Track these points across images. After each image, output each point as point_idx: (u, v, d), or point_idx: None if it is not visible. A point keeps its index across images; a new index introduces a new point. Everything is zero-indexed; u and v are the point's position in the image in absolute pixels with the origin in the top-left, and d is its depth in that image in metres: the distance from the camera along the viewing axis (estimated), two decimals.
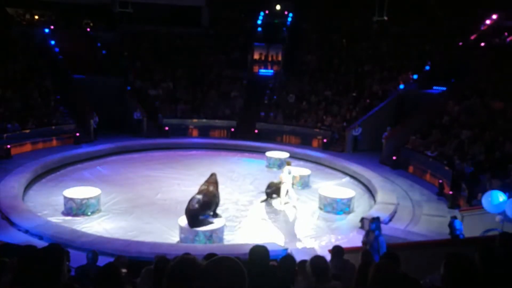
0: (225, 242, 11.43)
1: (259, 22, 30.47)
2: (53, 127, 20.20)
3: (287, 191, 14.05)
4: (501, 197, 10.09)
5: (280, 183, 14.25)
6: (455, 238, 10.47)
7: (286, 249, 10.34)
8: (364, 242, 8.67)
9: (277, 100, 24.73)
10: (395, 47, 26.16)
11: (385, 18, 26.96)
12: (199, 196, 11.00)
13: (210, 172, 12.13)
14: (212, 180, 11.65)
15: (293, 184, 14.51)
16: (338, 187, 15.45)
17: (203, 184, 11.55)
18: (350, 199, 14.05)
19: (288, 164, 14.38)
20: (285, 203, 14.13)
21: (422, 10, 27.75)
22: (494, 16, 25.27)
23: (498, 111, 18.35)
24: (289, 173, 14.07)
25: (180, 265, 2.15)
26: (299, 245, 11.45)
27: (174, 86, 25.09)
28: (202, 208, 10.94)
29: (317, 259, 3.84)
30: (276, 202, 14.37)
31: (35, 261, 2.52)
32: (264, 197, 14.71)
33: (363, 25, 28.63)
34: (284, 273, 4.34)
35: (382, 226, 10.10)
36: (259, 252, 3.78)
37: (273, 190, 14.50)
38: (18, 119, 19.30)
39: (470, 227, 11.15)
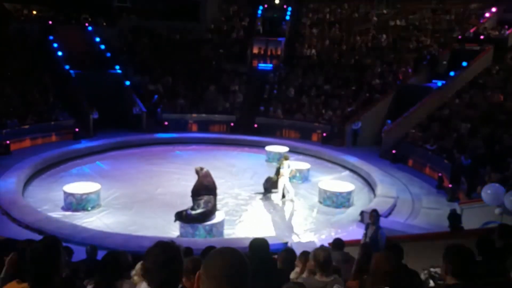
0: (225, 236, 11.46)
1: (258, 16, 30.37)
2: (52, 123, 20.12)
3: (284, 185, 14.06)
4: (500, 190, 10.11)
5: (277, 177, 14.29)
6: (455, 230, 10.49)
7: (286, 243, 10.37)
8: (364, 235, 8.70)
9: (276, 94, 24.68)
10: (395, 41, 26.10)
11: (385, 11, 26.92)
12: (202, 209, 10.98)
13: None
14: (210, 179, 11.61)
15: (290, 177, 14.49)
16: (337, 181, 15.47)
17: (207, 184, 11.46)
18: (349, 193, 14.07)
19: (286, 158, 14.39)
20: (283, 197, 14.14)
21: (422, 3, 27.68)
22: (493, 9, 25.21)
23: (497, 104, 18.35)
24: (288, 166, 14.09)
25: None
26: (299, 239, 11.48)
27: (173, 81, 25.03)
28: (196, 219, 10.99)
29: (321, 251, 3.86)
30: (274, 196, 14.38)
31: (33, 254, 2.53)
32: (262, 190, 14.74)
33: (362, 18, 28.57)
34: (284, 266, 4.35)
35: (382, 219, 10.12)
36: (259, 244, 3.79)
37: (270, 185, 14.53)
38: (17, 115, 19.25)
39: (470, 219, 11.17)
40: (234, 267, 1.85)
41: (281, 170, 14.03)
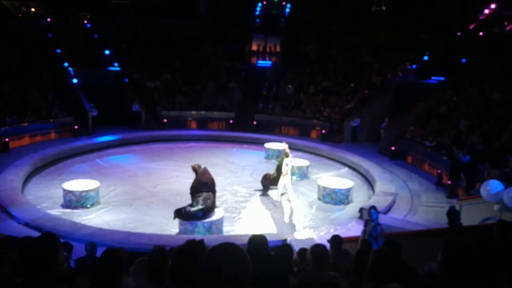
0: (225, 233, 11.47)
1: (257, 13, 30.31)
2: (51, 120, 20.13)
3: (284, 184, 14.03)
4: (499, 186, 10.13)
5: (274, 174, 14.31)
6: (453, 226, 10.52)
7: (285, 240, 10.38)
8: (363, 232, 8.71)
9: (275, 91, 24.67)
10: (394, 37, 26.06)
11: (383, 8, 26.88)
12: (201, 206, 11.01)
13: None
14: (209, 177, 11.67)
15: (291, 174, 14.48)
16: (336, 177, 15.49)
17: (206, 181, 11.49)
18: (348, 190, 14.08)
19: (286, 155, 14.36)
20: (282, 194, 14.13)
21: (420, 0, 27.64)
22: (493, 5, 25.17)
23: (496, 100, 18.34)
24: (286, 165, 14.06)
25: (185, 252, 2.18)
26: (298, 236, 11.49)
27: (172, 78, 25.01)
28: (195, 216, 11.01)
29: (318, 247, 3.87)
30: (273, 193, 14.39)
31: (31, 251, 2.54)
32: (261, 187, 14.74)
33: (361, 15, 28.51)
34: (281, 262, 4.36)
35: (381, 216, 10.14)
36: (257, 241, 3.79)
37: (269, 182, 14.52)
38: (16, 112, 19.23)
39: (469, 216, 11.19)
40: (236, 263, 1.85)
41: (283, 169, 13.99)
